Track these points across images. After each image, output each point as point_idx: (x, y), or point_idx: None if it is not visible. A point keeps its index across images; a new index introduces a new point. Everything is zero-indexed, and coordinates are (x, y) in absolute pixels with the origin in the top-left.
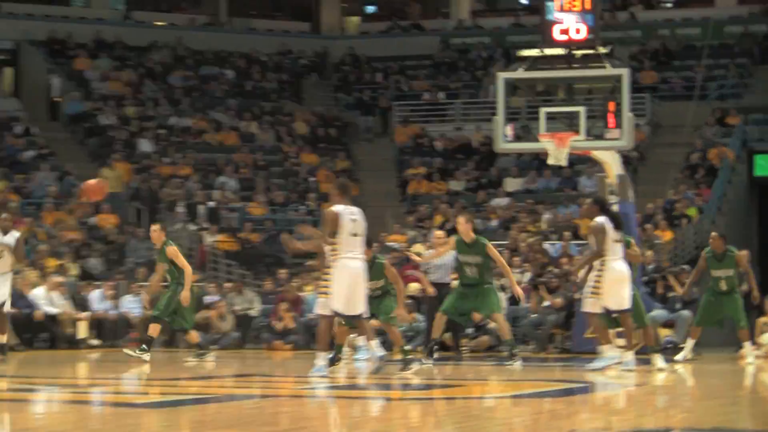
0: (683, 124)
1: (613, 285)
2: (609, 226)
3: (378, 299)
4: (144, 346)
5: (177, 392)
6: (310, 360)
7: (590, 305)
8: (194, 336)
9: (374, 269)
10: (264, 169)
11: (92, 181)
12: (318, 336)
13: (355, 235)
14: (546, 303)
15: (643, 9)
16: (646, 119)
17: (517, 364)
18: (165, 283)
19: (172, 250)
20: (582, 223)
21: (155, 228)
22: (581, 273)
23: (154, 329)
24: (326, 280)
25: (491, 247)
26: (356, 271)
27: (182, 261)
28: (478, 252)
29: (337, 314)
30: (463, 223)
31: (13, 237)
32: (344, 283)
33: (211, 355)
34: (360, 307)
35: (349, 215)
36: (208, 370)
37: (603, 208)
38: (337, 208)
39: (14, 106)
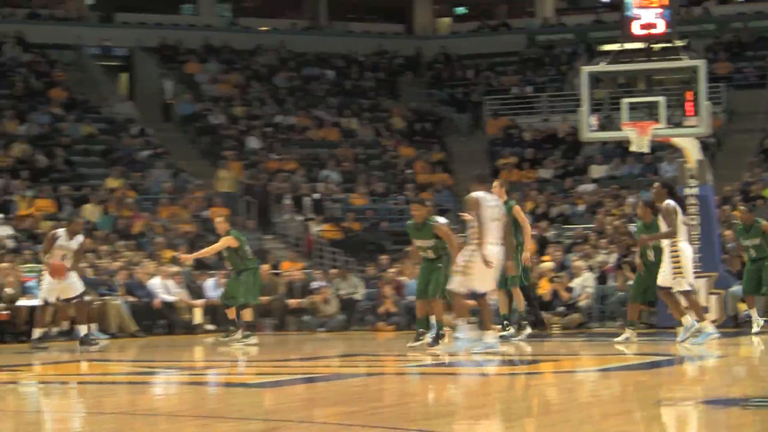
0: (757, 111)
1: (687, 264)
2: (679, 208)
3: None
4: (247, 332)
5: (287, 372)
6: (411, 339)
7: (677, 284)
8: (247, 314)
9: (425, 230)
10: (364, 162)
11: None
12: (457, 311)
13: (494, 220)
14: (630, 282)
15: (717, 3)
16: (721, 107)
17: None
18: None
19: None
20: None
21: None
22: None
23: (246, 314)
24: (465, 261)
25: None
26: (495, 255)
27: None
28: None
29: (471, 293)
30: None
31: (77, 242)
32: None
33: (253, 338)
34: (489, 286)
35: (488, 202)
36: (307, 351)
37: (671, 191)
38: (477, 194)
39: (130, 109)
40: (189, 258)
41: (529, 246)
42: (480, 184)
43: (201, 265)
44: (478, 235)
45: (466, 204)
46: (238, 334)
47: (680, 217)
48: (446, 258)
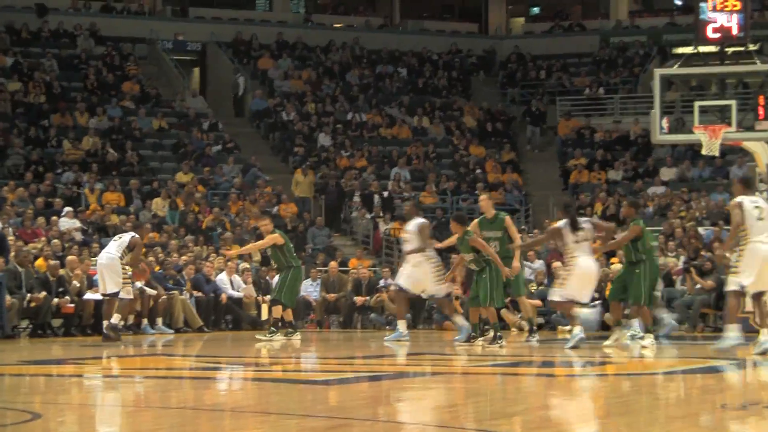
0: None
1: (752, 264)
2: (749, 205)
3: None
4: (272, 328)
5: (352, 370)
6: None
7: (730, 283)
8: (288, 314)
9: (463, 245)
10: (434, 160)
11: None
12: (728, 312)
13: (760, 219)
14: (698, 285)
15: None
16: None
17: (535, 341)
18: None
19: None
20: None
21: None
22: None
23: (276, 311)
24: (737, 261)
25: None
26: (765, 253)
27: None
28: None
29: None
30: (485, 200)
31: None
32: (755, 263)
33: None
34: None
35: (752, 203)
36: (373, 349)
37: (746, 186)
38: (739, 199)
39: (201, 104)
40: (234, 254)
41: (518, 257)
42: (744, 187)
43: (268, 261)
44: (744, 236)
45: (730, 208)
46: (279, 332)
47: (751, 213)
48: (489, 268)
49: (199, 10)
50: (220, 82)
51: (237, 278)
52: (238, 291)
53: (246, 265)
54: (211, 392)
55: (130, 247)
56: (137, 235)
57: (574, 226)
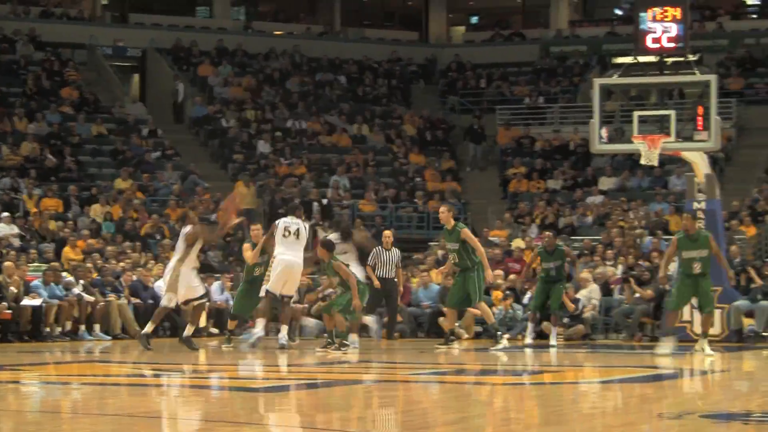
0: (767, 126)
1: None
2: None
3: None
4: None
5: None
6: (417, 347)
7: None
8: (232, 324)
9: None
10: (374, 168)
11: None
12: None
13: None
14: (636, 294)
15: (730, 19)
16: (732, 122)
17: (501, 346)
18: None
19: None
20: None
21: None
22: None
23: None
24: None
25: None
26: None
27: None
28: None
29: None
30: (445, 212)
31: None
32: None
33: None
34: None
35: None
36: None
37: None
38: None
39: (141, 110)
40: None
41: (488, 265)
42: None
43: (206, 269)
44: None
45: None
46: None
47: None
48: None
49: (139, 17)
50: (159, 88)
51: None
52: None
53: None
54: (147, 399)
55: (190, 243)
56: (189, 229)
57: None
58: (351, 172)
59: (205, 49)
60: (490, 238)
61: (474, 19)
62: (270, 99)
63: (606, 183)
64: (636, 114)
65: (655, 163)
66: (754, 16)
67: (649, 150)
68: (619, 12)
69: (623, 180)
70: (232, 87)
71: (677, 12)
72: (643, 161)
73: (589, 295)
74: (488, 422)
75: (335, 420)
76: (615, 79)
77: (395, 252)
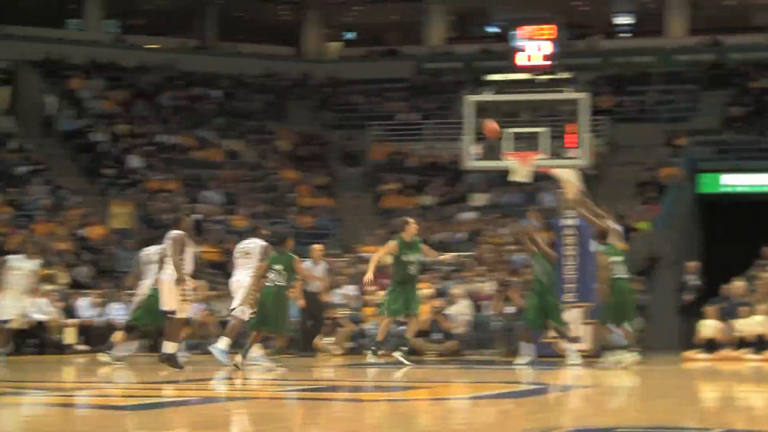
0: (636, 144)
1: None
2: None
3: None
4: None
5: (157, 395)
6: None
7: None
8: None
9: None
10: (247, 183)
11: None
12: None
13: None
14: (508, 309)
15: (602, 38)
16: (604, 140)
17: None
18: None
19: None
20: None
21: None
22: None
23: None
24: None
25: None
26: None
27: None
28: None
29: None
30: (413, 225)
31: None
32: None
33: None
34: None
35: None
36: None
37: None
38: None
39: (10, 123)
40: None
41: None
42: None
43: (75, 284)
44: None
45: None
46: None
47: None
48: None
49: (8, 28)
50: (29, 101)
51: (43, 301)
52: (43, 314)
53: (51, 287)
54: (12, 417)
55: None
56: (173, 235)
57: None
58: (223, 187)
59: (77, 63)
60: (361, 255)
61: (349, 35)
62: (142, 113)
63: (479, 199)
64: (508, 131)
65: (527, 179)
66: (625, 35)
67: (520, 166)
68: (493, 30)
69: (496, 196)
70: (104, 100)
71: (550, 31)
72: (514, 178)
73: (461, 310)
74: None
75: None
76: (487, 96)
77: (323, 265)
